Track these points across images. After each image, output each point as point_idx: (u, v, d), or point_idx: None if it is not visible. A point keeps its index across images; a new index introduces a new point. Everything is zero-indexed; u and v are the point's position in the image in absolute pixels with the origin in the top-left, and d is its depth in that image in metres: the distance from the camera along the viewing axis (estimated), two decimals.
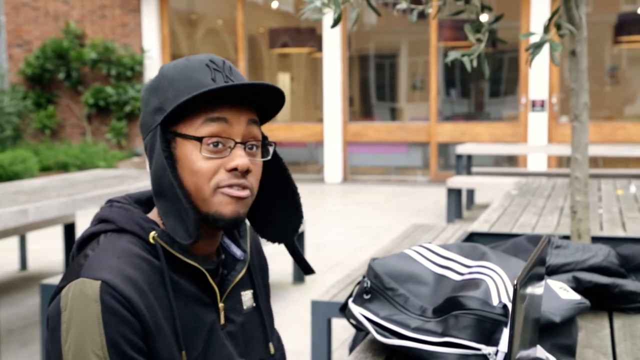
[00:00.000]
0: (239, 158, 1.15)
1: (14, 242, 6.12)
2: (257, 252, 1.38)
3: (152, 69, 11.54)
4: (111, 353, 1.06)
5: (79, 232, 6.15)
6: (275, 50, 13.46)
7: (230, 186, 1.15)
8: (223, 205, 1.15)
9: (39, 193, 4.16)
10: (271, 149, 1.23)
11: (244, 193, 1.16)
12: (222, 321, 1.23)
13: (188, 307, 1.18)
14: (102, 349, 1.06)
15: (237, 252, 1.30)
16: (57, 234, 6.29)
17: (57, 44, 11.38)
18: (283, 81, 13.85)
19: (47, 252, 6.20)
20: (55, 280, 3.45)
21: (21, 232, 5.07)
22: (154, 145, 1.16)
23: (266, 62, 13.54)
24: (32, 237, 6.49)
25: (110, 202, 1.24)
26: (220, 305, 1.23)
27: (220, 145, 1.15)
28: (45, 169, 10.06)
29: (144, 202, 1.26)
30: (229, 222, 1.16)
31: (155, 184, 1.16)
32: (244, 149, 1.17)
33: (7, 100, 10.69)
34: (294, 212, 1.29)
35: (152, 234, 1.16)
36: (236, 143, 1.16)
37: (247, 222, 1.36)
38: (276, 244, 1.33)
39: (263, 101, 1.21)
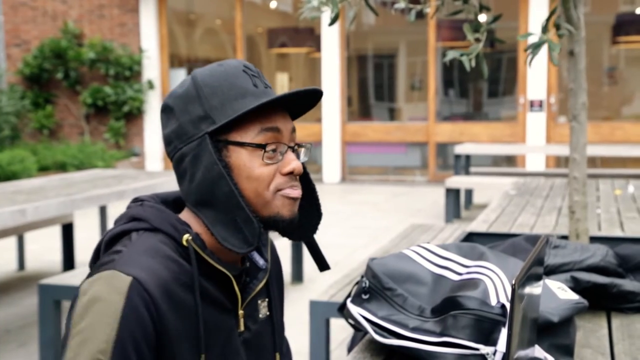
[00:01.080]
0: (294, 162, 1.20)
1: (12, 241, 6.12)
2: (274, 262, 1.39)
3: (150, 69, 11.53)
4: (115, 350, 1.06)
5: (78, 232, 6.15)
6: (273, 50, 13.46)
7: (289, 188, 1.20)
8: (283, 207, 1.19)
9: (37, 193, 4.15)
10: (302, 151, 1.26)
11: (299, 193, 1.22)
12: (242, 328, 1.25)
13: (211, 312, 1.19)
14: (108, 342, 1.06)
15: (260, 260, 1.31)
16: (55, 233, 6.28)
17: (55, 44, 11.37)
18: (281, 81, 13.85)
19: (46, 251, 6.19)
20: (54, 280, 3.45)
21: (19, 232, 5.07)
22: (200, 154, 1.16)
23: (265, 62, 13.54)
24: (30, 236, 6.49)
25: (140, 201, 1.24)
26: (241, 312, 1.25)
27: (275, 151, 1.19)
28: (44, 169, 10.05)
29: (170, 203, 1.27)
30: (289, 223, 1.21)
31: (202, 193, 1.17)
32: (293, 152, 1.22)
33: (5, 100, 10.68)
34: (314, 210, 1.31)
35: (186, 236, 1.17)
36: (288, 148, 1.21)
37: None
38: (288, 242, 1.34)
39: (300, 105, 1.25)
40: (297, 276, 5.16)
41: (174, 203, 1.27)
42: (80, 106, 11.70)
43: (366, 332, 1.37)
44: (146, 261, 1.12)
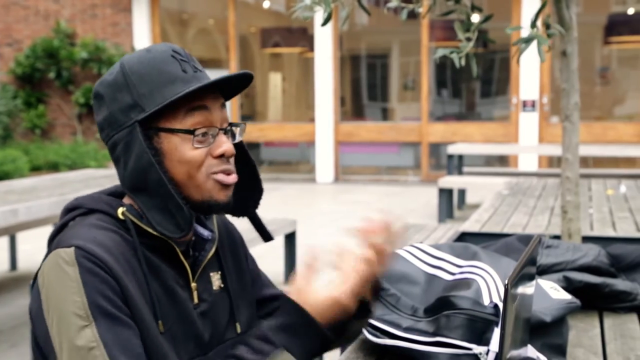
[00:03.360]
0: (225, 144, 1.20)
1: (4, 242, 6.09)
2: (226, 232, 1.38)
3: None
4: (93, 311, 1.07)
5: None
6: (266, 50, 13.45)
7: (222, 172, 1.20)
8: (216, 192, 1.20)
9: (29, 193, 4.14)
10: (237, 130, 1.26)
11: (234, 178, 1.22)
12: (196, 300, 1.25)
13: (160, 282, 1.19)
14: (84, 308, 1.07)
15: (205, 232, 1.30)
16: (47, 233, 6.23)
17: (47, 43, 11.33)
18: (275, 81, 13.85)
19: (38, 252, 6.16)
20: None
21: (11, 232, 5.05)
22: (131, 142, 1.16)
23: (258, 61, 13.52)
24: (22, 237, 6.46)
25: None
26: (193, 285, 1.25)
27: (207, 134, 1.19)
28: (36, 169, 10.01)
29: (107, 195, 1.27)
30: (223, 207, 1.21)
31: (134, 180, 1.18)
32: (224, 134, 1.22)
33: None
34: (254, 185, 1.32)
35: (121, 209, 1.18)
36: (219, 130, 1.20)
37: None
38: (260, 242, 1.34)
39: (231, 89, 1.26)
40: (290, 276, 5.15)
41: (111, 195, 1.27)
42: (72, 106, 11.67)
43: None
44: (84, 232, 1.14)
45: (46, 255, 1.16)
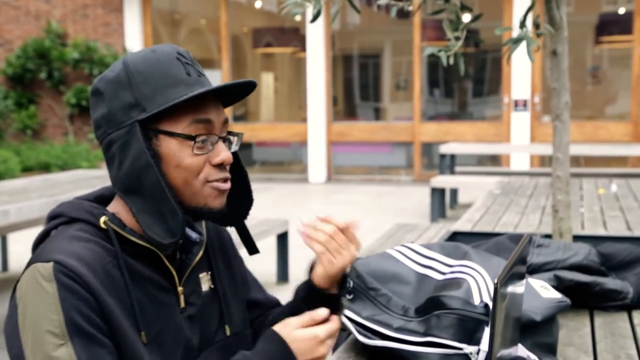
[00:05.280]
0: (224, 153, 1.20)
1: None
2: (215, 232, 1.38)
3: None
4: (70, 329, 1.06)
5: None
6: (259, 50, 13.43)
7: (218, 180, 1.20)
8: (212, 199, 1.20)
9: (20, 194, 4.12)
10: (234, 140, 1.26)
11: (229, 185, 1.22)
12: (183, 305, 1.24)
13: (145, 290, 1.18)
14: (60, 326, 1.06)
15: (193, 234, 1.30)
16: None
17: (38, 44, 11.29)
18: (267, 81, 13.83)
19: (29, 253, 6.12)
20: None
21: (2, 233, 5.03)
22: (129, 142, 1.15)
23: (250, 62, 13.51)
24: (13, 238, 6.43)
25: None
26: (180, 289, 1.24)
27: (206, 142, 1.19)
28: (27, 170, 9.97)
29: (92, 200, 1.27)
30: (217, 214, 1.22)
31: (129, 181, 1.16)
32: (223, 142, 1.22)
33: None
34: (244, 195, 1.31)
35: (103, 218, 1.17)
36: (219, 138, 1.21)
37: None
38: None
39: (233, 95, 1.26)
40: (283, 276, 5.15)
41: (95, 200, 1.26)
42: (64, 106, 11.63)
43: (350, 332, 1.37)
44: (64, 246, 1.13)
45: (26, 267, 1.14)
